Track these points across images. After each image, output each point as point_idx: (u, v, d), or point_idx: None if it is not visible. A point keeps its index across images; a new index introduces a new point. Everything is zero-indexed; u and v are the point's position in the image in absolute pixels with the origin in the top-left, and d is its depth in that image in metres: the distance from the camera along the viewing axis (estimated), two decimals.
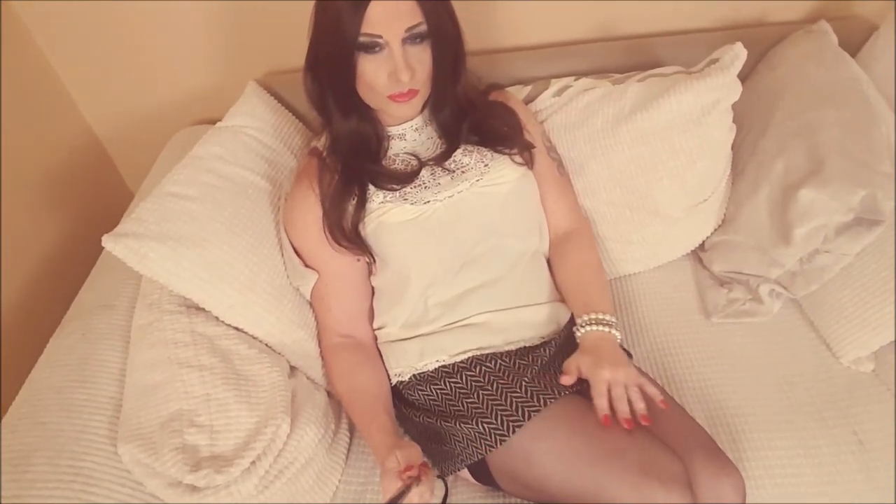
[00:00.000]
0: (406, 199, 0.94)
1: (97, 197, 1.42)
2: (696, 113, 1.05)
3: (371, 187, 0.95)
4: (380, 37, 0.82)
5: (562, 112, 1.17)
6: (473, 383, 0.91)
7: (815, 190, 1.01)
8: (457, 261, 0.97)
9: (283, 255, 1.02)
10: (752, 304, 1.13)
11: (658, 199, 1.14)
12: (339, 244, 0.94)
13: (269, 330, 0.97)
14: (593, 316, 0.95)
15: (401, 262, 0.97)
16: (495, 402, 0.87)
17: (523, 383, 0.88)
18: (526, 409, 0.85)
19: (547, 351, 0.95)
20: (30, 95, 1.25)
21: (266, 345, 0.99)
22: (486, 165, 0.98)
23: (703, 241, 1.24)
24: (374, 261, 0.98)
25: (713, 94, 1.04)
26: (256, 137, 1.10)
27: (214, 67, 1.35)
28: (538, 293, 1.02)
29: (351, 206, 0.94)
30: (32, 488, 0.78)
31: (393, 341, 1.01)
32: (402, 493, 0.75)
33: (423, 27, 0.84)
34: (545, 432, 0.83)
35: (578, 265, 1.05)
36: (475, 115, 1.00)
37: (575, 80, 1.21)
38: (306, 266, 1.00)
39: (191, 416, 0.85)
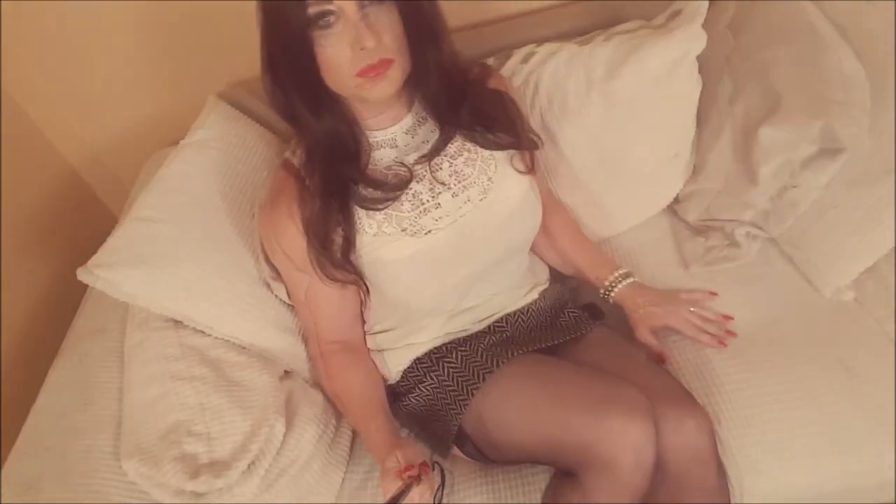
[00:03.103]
0: (405, 231, 0.85)
1: (85, 229, 1.45)
2: (666, 67, 1.06)
3: (360, 211, 0.85)
4: (329, 3, 0.72)
5: (531, 80, 1.16)
6: (444, 362, 0.95)
7: (774, 127, 1.01)
8: (460, 288, 0.95)
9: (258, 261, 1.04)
10: (730, 249, 1.13)
11: (632, 157, 1.15)
12: (330, 277, 0.86)
13: (254, 339, 1.00)
14: (612, 277, 1.04)
15: (400, 297, 0.91)
16: (457, 371, 0.91)
17: (479, 349, 0.91)
18: (481, 372, 0.88)
19: (519, 319, 0.99)
20: (5, 140, 1.28)
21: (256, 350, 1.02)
22: (489, 179, 0.89)
23: (678, 194, 1.24)
24: (368, 291, 0.90)
25: (680, 46, 1.05)
26: (221, 149, 1.12)
27: (180, 87, 1.38)
28: (522, 280, 1.04)
29: (339, 235, 0.85)
30: None
31: (381, 350, 1.01)
32: (403, 492, 0.75)
33: None
34: (504, 390, 0.86)
35: (571, 239, 1.10)
36: (475, 97, 0.88)
37: (537, 46, 1.21)
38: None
39: (187, 426, 0.88)
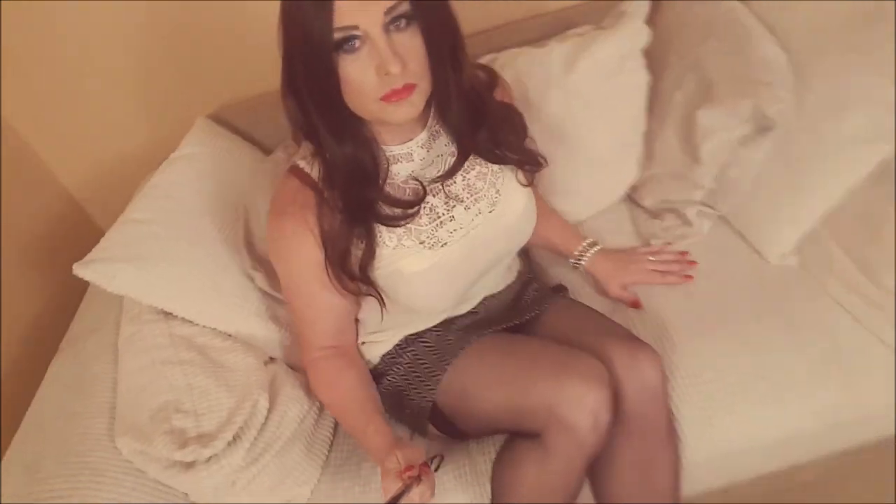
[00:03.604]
0: (423, 244, 0.89)
1: (80, 251, 1.47)
2: (616, 61, 1.17)
3: (380, 226, 0.87)
4: (356, 28, 0.71)
5: None
6: (419, 342, 1.01)
7: (710, 109, 1.11)
8: (464, 291, 0.99)
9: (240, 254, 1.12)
10: (684, 228, 1.22)
11: (592, 147, 1.25)
12: (346, 289, 0.89)
13: (239, 328, 1.08)
14: (581, 247, 1.16)
15: (413, 305, 0.94)
16: (432, 350, 0.98)
17: (453, 329, 0.99)
18: (454, 349, 0.95)
19: (490, 301, 1.06)
20: (6, 167, 1.36)
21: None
22: (497, 192, 0.94)
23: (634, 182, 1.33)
24: (384, 302, 0.92)
25: (626, 42, 1.16)
26: (208, 161, 1.22)
27: (171, 113, 1.46)
28: (505, 276, 1.11)
29: (358, 248, 0.87)
30: (45, 484, 0.88)
31: (364, 343, 1.06)
32: (403, 493, 0.75)
33: (406, 6, 0.72)
34: (474, 363, 0.94)
35: (543, 217, 1.14)
36: (491, 119, 0.90)
37: (499, 53, 1.31)
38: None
39: (176, 405, 0.95)
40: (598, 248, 1.17)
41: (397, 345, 1.03)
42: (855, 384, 0.98)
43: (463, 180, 0.92)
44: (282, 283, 0.93)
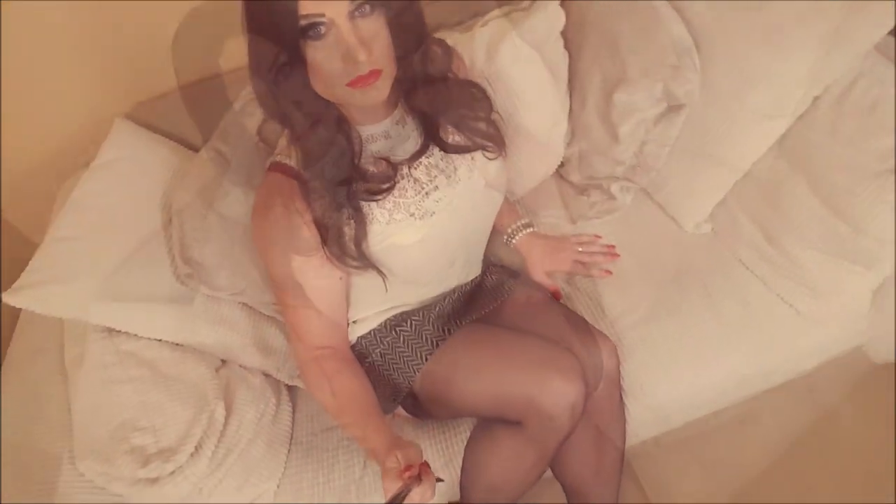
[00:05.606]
0: (413, 215, 0.91)
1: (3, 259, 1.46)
2: (537, 43, 1.19)
3: (370, 202, 0.90)
4: (322, 16, 0.72)
5: None
6: (398, 329, 1.04)
7: (625, 92, 1.16)
8: (455, 258, 1.03)
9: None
10: (609, 202, 1.29)
11: (522, 128, 1.28)
12: (348, 266, 0.90)
13: (186, 335, 1.08)
14: (515, 225, 1.20)
15: (410, 275, 0.97)
16: (411, 338, 1.02)
17: (430, 318, 1.03)
18: (434, 339, 1.00)
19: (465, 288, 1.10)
20: None
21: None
22: (472, 158, 0.96)
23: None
24: (385, 276, 0.93)
25: (544, 24, 1.19)
26: (129, 166, 1.19)
27: (86, 110, 1.40)
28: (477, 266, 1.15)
29: (350, 227, 0.89)
30: None
31: (350, 323, 1.06)
32: (403, 492, 0.76)
33: None
34: (457, 355, 0.99)
35: None
36: (456, 104, 0.93)
37: None
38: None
39: (133, 423, 0.97)
40: (532, 229, 1.22)
41: (375, 329, 1.05)
42: (763, 343, 1.11)
43: (439, 151, 0.94)
44: (271, 277, 0.93)
